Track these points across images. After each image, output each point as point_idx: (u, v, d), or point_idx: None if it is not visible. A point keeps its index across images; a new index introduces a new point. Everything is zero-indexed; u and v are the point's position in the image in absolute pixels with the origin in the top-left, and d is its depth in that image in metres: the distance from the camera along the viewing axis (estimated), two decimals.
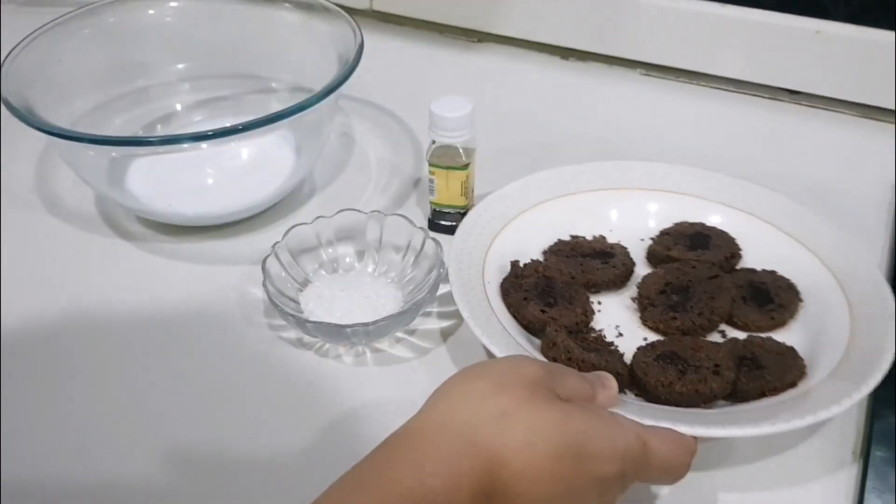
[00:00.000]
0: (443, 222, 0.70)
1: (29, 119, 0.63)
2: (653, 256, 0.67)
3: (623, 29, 0.91)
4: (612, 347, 0.60)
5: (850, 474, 0.53)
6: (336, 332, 0.59)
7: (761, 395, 0.55)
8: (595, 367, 0.54)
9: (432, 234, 0.66)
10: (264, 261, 0.62)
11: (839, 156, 0.81)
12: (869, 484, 0.52)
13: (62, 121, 0.68)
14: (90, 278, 0.69)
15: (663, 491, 0.52)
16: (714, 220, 0.68)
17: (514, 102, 0.90)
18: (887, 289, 0.59)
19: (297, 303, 0.63)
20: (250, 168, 0.76)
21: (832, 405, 0.51)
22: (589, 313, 0.62)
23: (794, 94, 0.88)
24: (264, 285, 0.61)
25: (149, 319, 0.65)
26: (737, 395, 0.56)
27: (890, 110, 0.84)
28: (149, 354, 0.62)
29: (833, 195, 0.74)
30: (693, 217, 0.69)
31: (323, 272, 0.66)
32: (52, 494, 0.53)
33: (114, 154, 0.73)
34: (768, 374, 0.55)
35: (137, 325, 0.64)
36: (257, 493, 0.53)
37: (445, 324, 0.63)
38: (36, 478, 0.54)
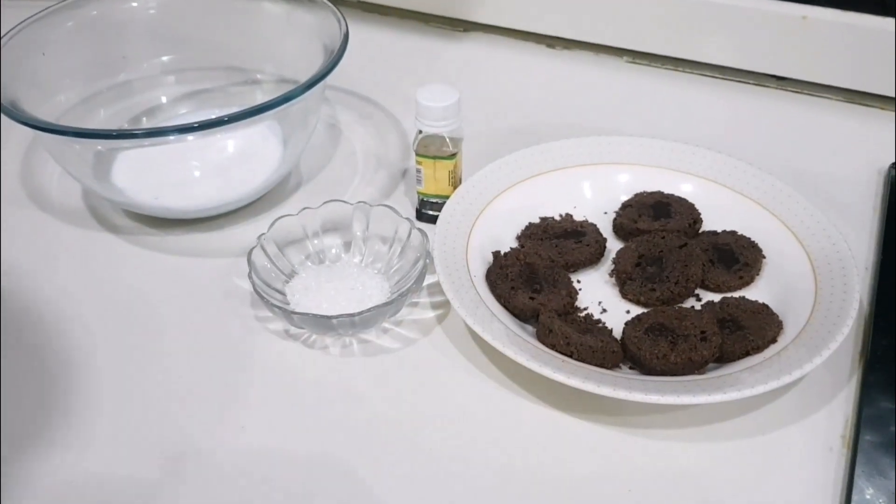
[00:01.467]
0: (431, 212, 0.70)
1: (13, 113, 0.63)
2: (620, 230, 0.69)
3: (609, 17, 0.90)
4: (601, 325, 0.61)
5: (840, 459, 0.54)
6: (322, 323, 0.59)
7: (746, 354, 0.57)
8: (593, 350, 0.56)
9: (418, 224, 0.66)
10: (250, 252, 0.62)
11: (826, 141, 0.81)
12: (858, 469, 0.52)
13: (47, 114, 0.67)
14: (76, 271, 0.69)
15: (651, 476, 0.53)
16: (669, 185, 0.71)
17: (501, 91, 0.90)
18: (840, 236, 0.63)
19: (284, 294, 0.63)
20: (236, 160, 0.75)
21: (823, 350, 0.54)
22: (573, 294, 0.63)
23: (780, 80, 0.88)
24: (250, 277, 0.61)
25: (135, 312, 0.65)
26: (723, 357, 0.58)
27: (877, 95, 0.84)
28: (135, 347, 0.62)
29: (821, 180, 0.75)
30: (650, 186, 0.71)
31: (309, 263, 0.66)
32: (42, 490, 0.53)
33: (99, 147, 0.73)
34: (750, 333, 0.58)
35: (124, 317, 0.64)
36: (244, 485, 0.53)
37: (432, 314, 0.63)
38: (24, 474, 0.54)
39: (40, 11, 0.74)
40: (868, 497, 0.51)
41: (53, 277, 0.68)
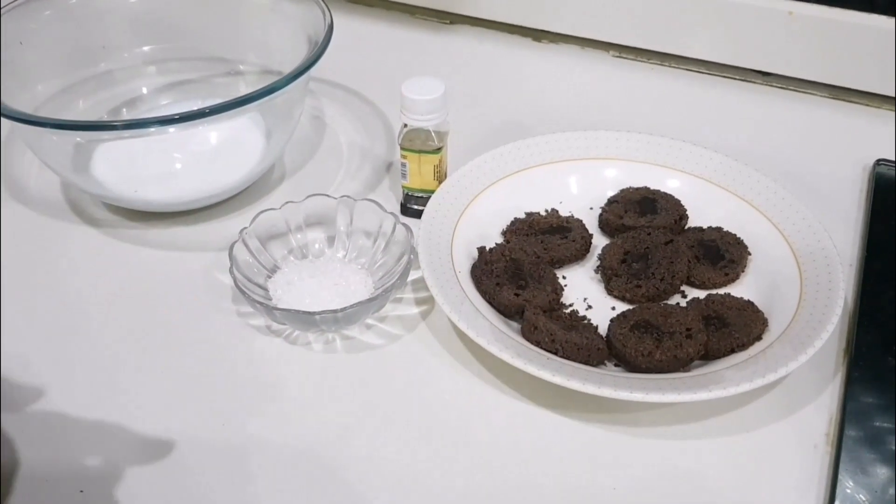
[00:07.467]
0: (416, 207, 0.70)
1: None
2: (606, 226, 0.68)
3: (595, 11, 0.90)
4: (586, 322, 0.61)
5: (824, 455, 0.54)
6: (305, 320, 0.58)
7: (731, 351, 0.57)
8: (578, 347, 0.56)
9: (403, 219, 0.66)
10: (231, 247, 0.62)
11: (812, 137, 0.81)
12: (842, 464, 0.52)
13: (24, 105, 0.66)
14: (56, 265, 0.68)
15: (635, 474, 0.53)
16: (656, 181, 0.70)
17: (487, 85, 0.89)
18: (825, 233, 0.63)
19: (266, 290, 0.62)
20: (219, 152, 0.75)
21: (808, 348, 0.54)
22: (559, 290, 0.63)
23: (766, 76, 0.88)
24: (231, 272, 0.60)
25: (115, 306, 0.64)
26: (709, 355, 0.58)
27: (862, 91, 0.84)
28: (115, 342, 0.61)
29: (806, 176, 0.75)
30: (636, 181, 0.71)
31: (292, 258, 0.65)
32: (23, 482, 0.52)
33: (78, 139, 0.72)
34: (735, 330, 0.58)
35: (104, 312, 0.63)
36: (224, 480, 0.52)
37: (416, 310, 0.63)
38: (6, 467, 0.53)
39: (17, 0, 0.72)
40: (851, 492, 0.51)
41: (31, 271, 0.67)
